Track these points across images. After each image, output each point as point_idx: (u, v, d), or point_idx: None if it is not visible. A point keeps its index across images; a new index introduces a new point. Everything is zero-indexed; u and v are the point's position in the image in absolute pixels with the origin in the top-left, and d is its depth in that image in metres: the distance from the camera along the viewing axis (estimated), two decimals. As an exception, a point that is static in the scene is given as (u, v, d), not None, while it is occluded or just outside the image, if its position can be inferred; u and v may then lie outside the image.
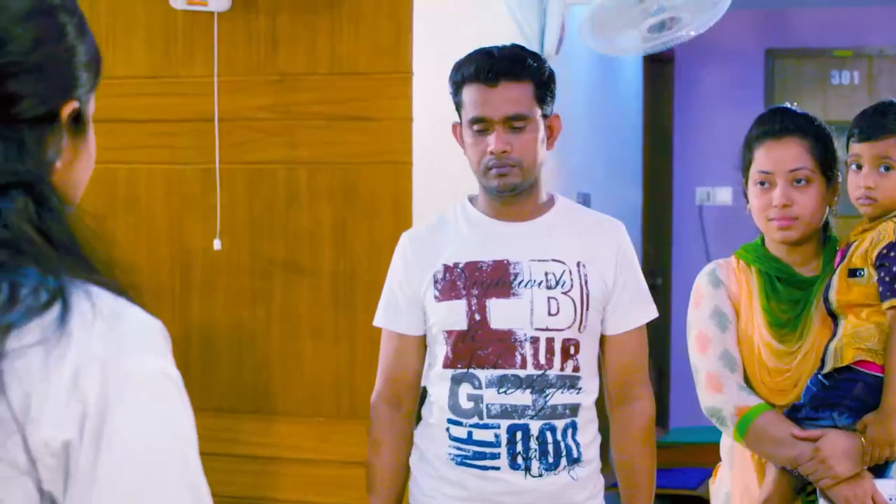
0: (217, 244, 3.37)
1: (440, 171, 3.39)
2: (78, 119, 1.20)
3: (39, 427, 1.05)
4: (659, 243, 7.13)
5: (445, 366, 2.59)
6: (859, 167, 2.50)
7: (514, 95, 2.54)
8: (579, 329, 2.57)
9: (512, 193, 2.58)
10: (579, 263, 2.59)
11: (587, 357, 2.60)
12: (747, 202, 2.61)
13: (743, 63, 7.11)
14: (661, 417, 6.71)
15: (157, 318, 1.14)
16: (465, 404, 2.57)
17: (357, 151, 3.31)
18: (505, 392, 2.53)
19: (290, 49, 3.35)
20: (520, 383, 2.53)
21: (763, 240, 2.62)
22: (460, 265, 2.59)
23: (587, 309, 2.57)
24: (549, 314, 2.55)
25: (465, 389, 2.57)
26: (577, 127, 5.12)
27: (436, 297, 2.60)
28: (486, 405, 2.54)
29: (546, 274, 2.57)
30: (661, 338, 6.73)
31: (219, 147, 3.38)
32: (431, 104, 3.28)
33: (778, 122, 2.55)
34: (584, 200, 5.07)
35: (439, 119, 2.93)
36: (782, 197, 2.50)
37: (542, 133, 2.59)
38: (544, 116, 2.60)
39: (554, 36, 4.22)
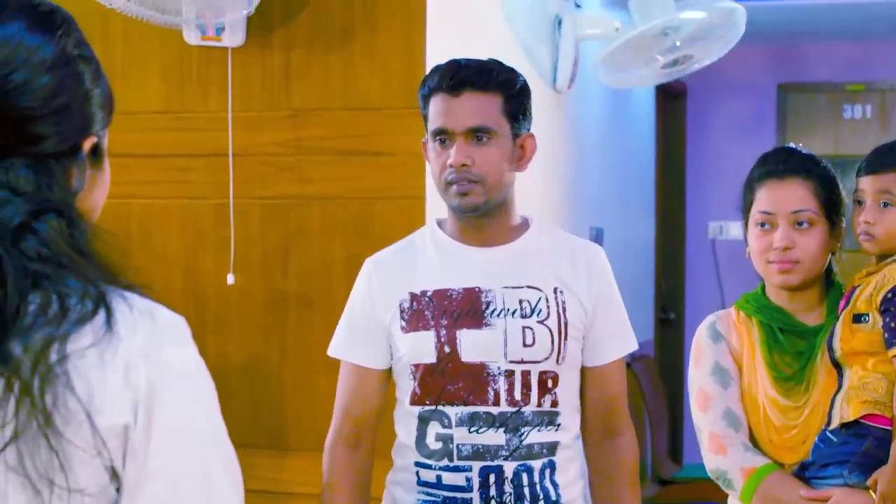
0: (231, 279, 3.37)
1: (453, 205, 3.38)
2: (96, 151, 1.35)
3: (103, 415, 1.21)
4: (672, 277, 7.11)
5: (412, 402, 2.40)
6: (862, 202, 2.42)
7: (478, 106, 2.36)
8: (557, 360, 2.38)
9: (475, 214, 2.40)
10: (556, 290, 2.40)
11: (567, 390, 2.41)
12: (747, 245, 2.49)
13: (755, 97, 7.12)
14: (675, 453, 6.67)
15: (177, 314, 1.30)
16: (434, 444, 2.37)
17: (370, 186, 3.31)
18: (476, 431, 2.35)
19: (304, 84, 3.36)
20: (492, 421, 2.34)
21: (763, 288, 2.51)
22: (428, 293, 2.40)
23: (565, 339, 2.38)
24: (525, 345, 2.36)
25: (433, 428, 2.37)
26: (590, 161, 5.12)
27: (402, 328, 2.40)
28: (457, 445, 2.35)
29: (521, 302, 2.38)
30: (675, 372, 6.67)
31: (233, 182, 3.39)
32: (445, 139, 3.28)
33: (782, 163, 2.45)
34: (597, 235, 5.06)
35: (452, 154, 2.93)
36: (783, 239, 2.39)
37: (510, 151, 2.39)
38: (515, 135, 2.41)
39: (567, 71, 4.24)
